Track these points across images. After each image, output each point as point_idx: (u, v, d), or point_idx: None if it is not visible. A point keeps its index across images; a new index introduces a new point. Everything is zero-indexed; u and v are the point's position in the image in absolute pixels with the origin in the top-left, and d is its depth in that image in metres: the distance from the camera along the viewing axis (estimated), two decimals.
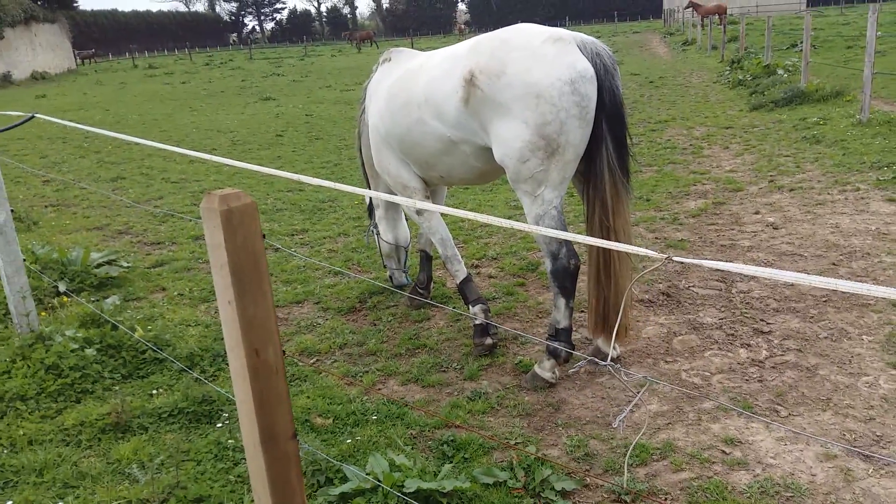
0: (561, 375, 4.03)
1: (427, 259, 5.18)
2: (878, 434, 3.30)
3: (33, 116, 4.11)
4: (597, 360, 2.04)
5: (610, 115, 3.63)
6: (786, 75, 14.51)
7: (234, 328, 2.03)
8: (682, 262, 1.63)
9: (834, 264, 5.28)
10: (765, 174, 8.21)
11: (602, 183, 3.66)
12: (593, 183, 3.70)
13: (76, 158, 12.72)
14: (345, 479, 3.00)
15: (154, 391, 3.91)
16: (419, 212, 4.50)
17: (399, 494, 2.82)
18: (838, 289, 1.35)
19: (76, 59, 48.36)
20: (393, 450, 3.31)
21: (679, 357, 4.19)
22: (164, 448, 3.32)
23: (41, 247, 6.24)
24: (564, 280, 3.76)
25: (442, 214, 4.70)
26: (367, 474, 2.99)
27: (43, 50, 40.65)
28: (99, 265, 5.83)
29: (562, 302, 3.82)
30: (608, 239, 3.76)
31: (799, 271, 5.21)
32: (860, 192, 7.04)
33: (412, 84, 4.04)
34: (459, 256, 4.51)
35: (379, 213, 5.34)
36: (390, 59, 4.55)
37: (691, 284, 5.22)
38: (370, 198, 5.50)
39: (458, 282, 4.44)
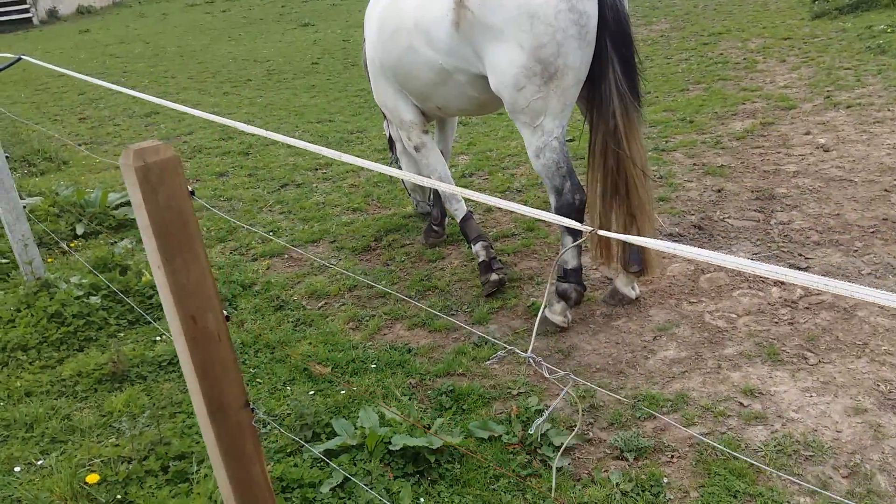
0: (575, 319, 3.81)
1: (439, 194, 4.95)
2: None
3: (20, 58, 3.98)
4: (517, 350, 1.81)
5: (614, 33, 3.26)
6: None
7: (166, 294, 1.87)
8: (607, 237, 1.38)
9: (886, 190, 4.82)
10: (821, 90, 7.55)
11: (610, 107, 3.31)
12: (598, 108, 3.36)
13: (112, 94, 12.71)
14: (334, 434, 2.90)
15: (158, 338, 3.87)
16: (417, 148, 4.25)
17: (381, 456, 2.69)
18: (839, 292, 1.08)
19: None
20: (388, 400, 3.19)
21: (704, 297, 3.90)
22: (161, 398, 3.27)
23: (66, 188, 6.24)
24: (570, 216, 3.48)
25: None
26: (356, 429, 2.87)
27: None
28: (118, 206, 5.80)
29: (569, 240, 3.56)
30: (621, 165, 3.42)
31: (847, 199, 4.80)
32: None
33: (401, 10, 3.73)
34: (459, 195, 4.28)
35: (399, 147, 5.12)
36: None
37: (727, 216, 4.85)
38: (389, 131, 5.29)
39: (458, 220, 4.24)
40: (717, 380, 3.21)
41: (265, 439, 2.90)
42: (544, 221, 5.13)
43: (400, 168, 5.17)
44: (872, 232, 4.31)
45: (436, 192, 4.91)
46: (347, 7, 25.93)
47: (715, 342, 3.50)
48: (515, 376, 3.39)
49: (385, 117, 5.09)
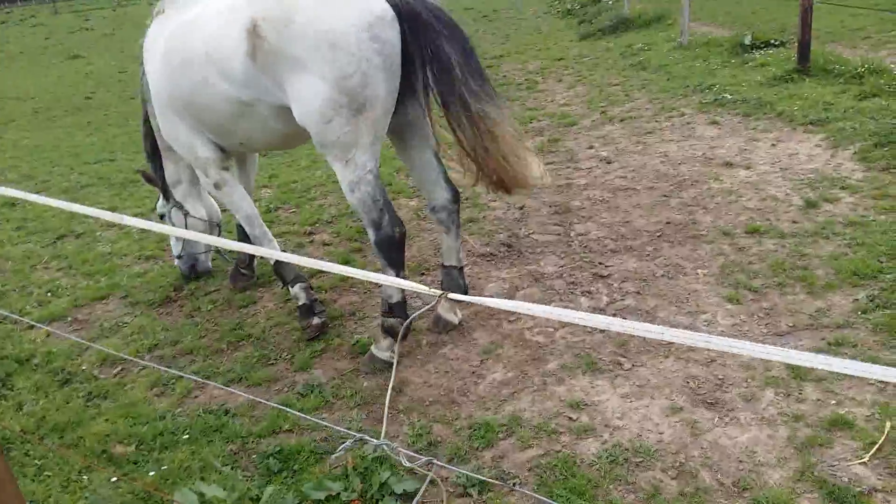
0: (402, 352, 3.71)
1: (245, 234, 4.62)
2: (720, 377, 3.24)
3: None
4: (367, 437, 1.69)
5: (448, 36, 3.19)
6: (611, 2, 14.74)
7: None
8: (457, 300, 1.31)
9: (665, 196, 5.28)
10: (596, 106, 8.20)
11: (466, 110, 3.19)
12: (456, 117, 3.22)
13: None
14: None
15: None
16: (217, 185, 3.93)
17: None
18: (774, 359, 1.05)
19: None
20: (207, 474, 2.86)
21: (522, 314, 3.98)
22: None
23: None
24: (390, 251, 3.38)
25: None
26: None
27: None
28: None
29: (391, 274, 3.45)
30: (494, 164, 3.32)
31: (633, 206, 5.18)
32: (685, 117, 7.16)
33: (189, 39, 3.44)
34: (270, 234, 4.04)
35: (182, 190, 4.61)
36: (164, 11, 3.85)
37: (531, 231, 5.03)
38: (163, 175, 4.66)
39: (272, 262, 3.97)
40: (545, 396, 3.26)
41: None
42: (360, 252, 5.00)
43: (186, 215, 4.63)
44: (659, 236, 4.68)
45: (241, 231, 4.57)
46: (121, 37, 24.17)
47: (537, 358, 3.56)
48: (348, 423, 3.20)
49: (159, 157, 4.52)
